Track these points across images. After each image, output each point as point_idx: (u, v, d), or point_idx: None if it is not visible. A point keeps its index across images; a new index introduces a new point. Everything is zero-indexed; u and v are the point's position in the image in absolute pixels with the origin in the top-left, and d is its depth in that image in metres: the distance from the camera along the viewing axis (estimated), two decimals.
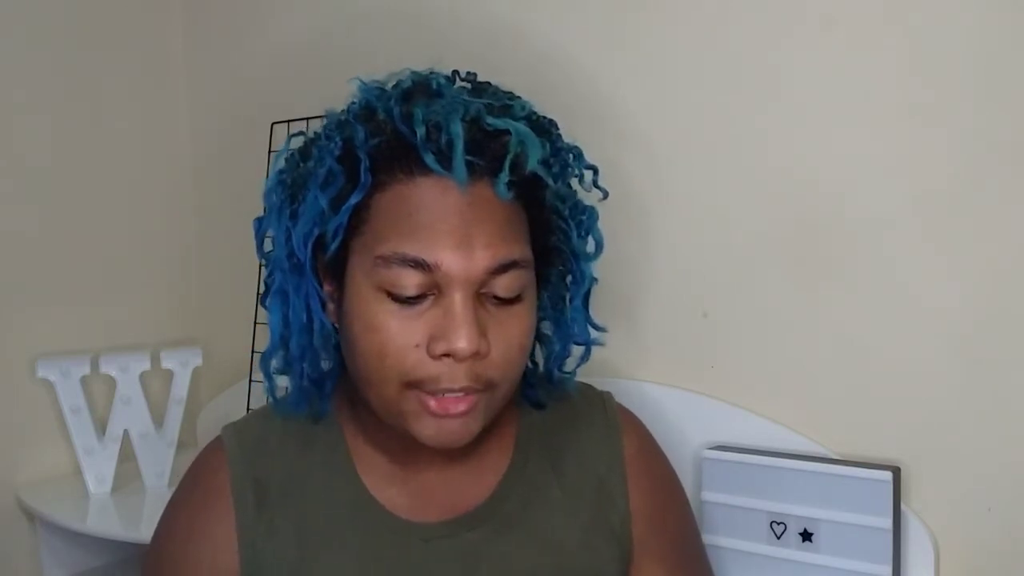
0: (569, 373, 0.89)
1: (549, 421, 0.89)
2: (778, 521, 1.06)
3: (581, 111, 1.20)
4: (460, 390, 0.73)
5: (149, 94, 1.65)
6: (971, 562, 1.00)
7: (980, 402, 0.99)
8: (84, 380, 1.47)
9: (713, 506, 1.10)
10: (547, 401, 0.88)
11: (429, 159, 0.71)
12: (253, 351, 1.44)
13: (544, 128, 0.80)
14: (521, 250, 0.75)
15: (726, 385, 1.14)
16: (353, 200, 0.73)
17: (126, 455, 1.49)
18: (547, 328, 0.87)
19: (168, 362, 1.51)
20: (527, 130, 0.74)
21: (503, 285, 0.74)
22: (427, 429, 0.75)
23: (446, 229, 0.72)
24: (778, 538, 1.06)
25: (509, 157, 0.73)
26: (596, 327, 0.87)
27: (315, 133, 0.80)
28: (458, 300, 0.72)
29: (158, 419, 1.51)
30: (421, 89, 0.77)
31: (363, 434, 0.84)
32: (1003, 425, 0.98)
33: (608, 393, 0.94)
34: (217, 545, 0.80)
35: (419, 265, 0.72)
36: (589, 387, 0.94)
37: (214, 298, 1.66)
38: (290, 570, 0.80)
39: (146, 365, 1.49)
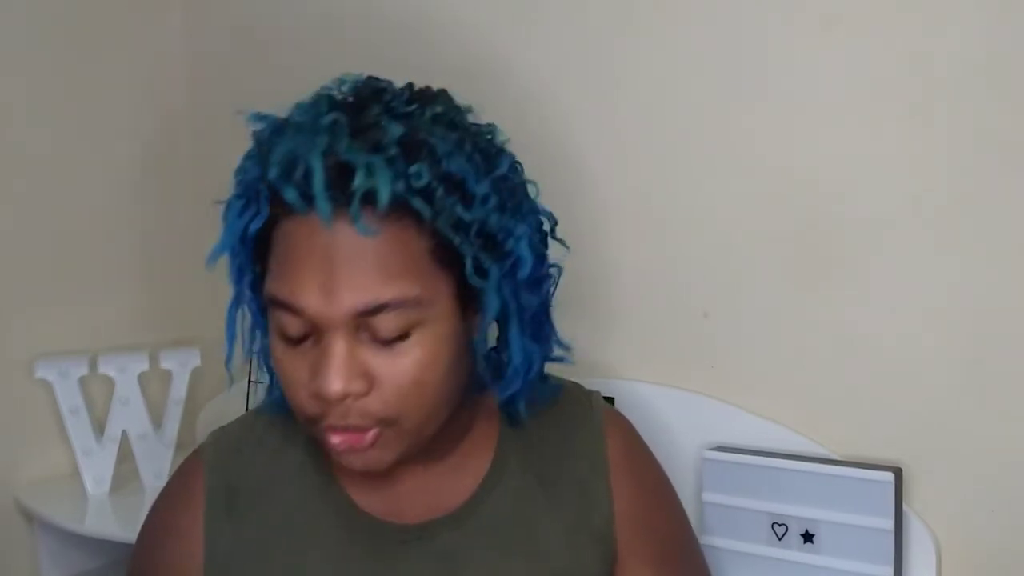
0: (555, 382, 0.88)
1: (531, 421, 0.87)
2: (779, 522, 1.06)
3: (580, 112, 1.21)
4: (344, 426, 0.72)
5: (148, 93, 1.65)
6: (973, 563, 1.00)
7: (982, 402, 0.99)
8: (82, 381, 1.46)
9: (713, 507, 1.10)
10: (524, 417, 0.85)
11: (290, 196, 0.68)
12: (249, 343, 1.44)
13: (426, 149, 0.70)
14: (398, 290, 0.69)
15: (726, 385, 1.13)
16: (250, 231, 0.73)
17: (124, 456, 1.49)
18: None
19: (167, 363, 1.51)
20: (377, 161, 0.68)
21: (381, 327, 0.70)
22: (344, 460, 0.75)
23: (310, 272, 0.69)
24: (779, 539, 1.06)
25: (357, 194, 0.67)
26: (561, 344, 0.84)
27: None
28: (329, 342, 0.70)
29: (157, 420, 1.51)
30: (295, 119, 0.73)
31: None
32: (1005, 425, 0.97)
33: (596, 392, 0.92)
34: (183, 552, 0.81)
35: (290, 308, 0.70)
36: (577, 386, 0.92)
37: (213, 298, 1.64)
38: (261, 571, 0.80)
39: (145, 366, 1.49)
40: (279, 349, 0.73)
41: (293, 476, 0.83)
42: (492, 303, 0.74)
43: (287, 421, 0.84)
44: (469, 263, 0.72)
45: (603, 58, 1.20)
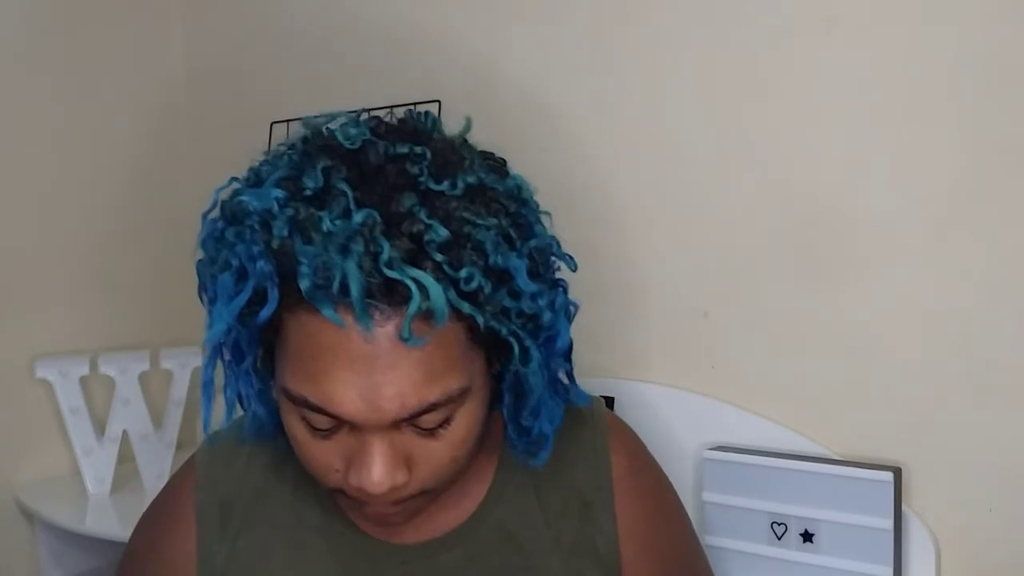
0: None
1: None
2: (779, 522, 1.06)
3: (578, 113, 1.21)
4: (387, 509, 0.70)
5: (148, 93, 1.65)
6: (972, 563, 1.00)
7: (981, 402, 0.99)
8: (83, 380, 1.47)
9: (713, 507, 1.10)
10: (536, 455, 0.78)
11: (328, 312, 0.61)
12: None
13: (473, 245, 0.64)
14: (443, 388, 0.65)
15: (726, 385, 1.13)
16: (260, 318, 0.64)
17: (125, 456, 1.49)
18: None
19: (167, 362, 1.51)
20: (429, 280, 0.61)
21: (425, 421, 0.66)
22: (366, 524, 0.74)
23: (347, 377, 0.63)
24: (779, 539, 1.06)
25: (408, 315, 0.61)
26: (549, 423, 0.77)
27: (238, 202, 0.66)
28: (369, 440, 0.66)
29: (157, 420, 1.51)
30: (310, 216, 0.63)
31: None
32: (1004, 425, 0.97)
33: (598, 402, 0.87)
34: (175, 566, 0.79)
35: (323, 412, 0.65)
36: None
37: None
38: None
39: (145, 365, 1.49)
40: (301, 434, 0.68)
41: (287, 491, 0.80)
42: (537, 384, 0.70)
43: (278, 439, 0.78)
44: (517, 351, 0.67)
45: (602, 58, 1.20)
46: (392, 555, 0.79)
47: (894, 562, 0.99)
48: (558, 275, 0.74)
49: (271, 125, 1.45)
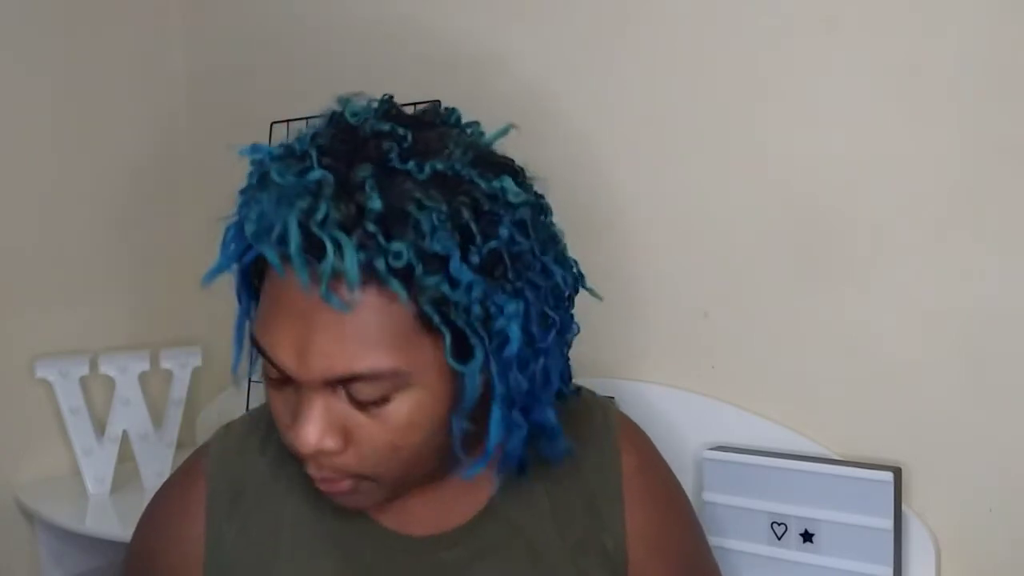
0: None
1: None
2: (779, 522, 1.06)
3: (578, 113, 1.21)
4: (322, 478, 0.71)
5: (149, 93, 1.65)
6: (972, 563, 1.00)
7: (981, 402, 0.99)
8: (83, 380, 1.47)
9: (713, 507, 1.10)
10: (526, 472, 0.78)
11: (270, 256, 0.64)
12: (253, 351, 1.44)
13: (410, 224, 0.64)
14: (373, 362, 0.65)
15: (726, 385, 1.13)
16: (244, 262, 0.70)
17: (125, 456, 1.49)
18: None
19: (167, 362, 1.51)
20: (345, 241, 0.62)
21: (358, 391, 0.67)
22: (378, 512, 0.75)
23: (288, 331, 0.66)
24: (779, 539, 1.06)
25: (324, 274, 0.62)
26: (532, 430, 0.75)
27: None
28: (306, 397, 0.67)
29: (157, 420, 1.51)
30: (272, 179, 0.66)
31: None
32: (1004, 425, 0.98)
33: (610, 402, 0.89)
34: (184, 549, 0.80)
35: (268, 359, 0.68)
36: (591, 394, 0.88)
37: (213, 298, 1.64)
38: (263, 572, 0.79)
39: (145, 365, 1.49)
40: (267, 384, 0.71)
41: (298, 476, 0.79)
42: (472, 385, 0.67)
43: None
44: (448, 343, 0.65)
45: (603, 59, 1.20)
46: (399, 546, 0.79)
47: (894, 562, 0.99)
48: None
49: (271, 125, 1.45)
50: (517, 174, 0.71)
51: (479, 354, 0.66)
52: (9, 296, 1.46)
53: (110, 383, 1.48)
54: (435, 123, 0.71)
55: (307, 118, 1.30)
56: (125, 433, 1.48)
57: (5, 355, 1.46)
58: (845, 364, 1.06)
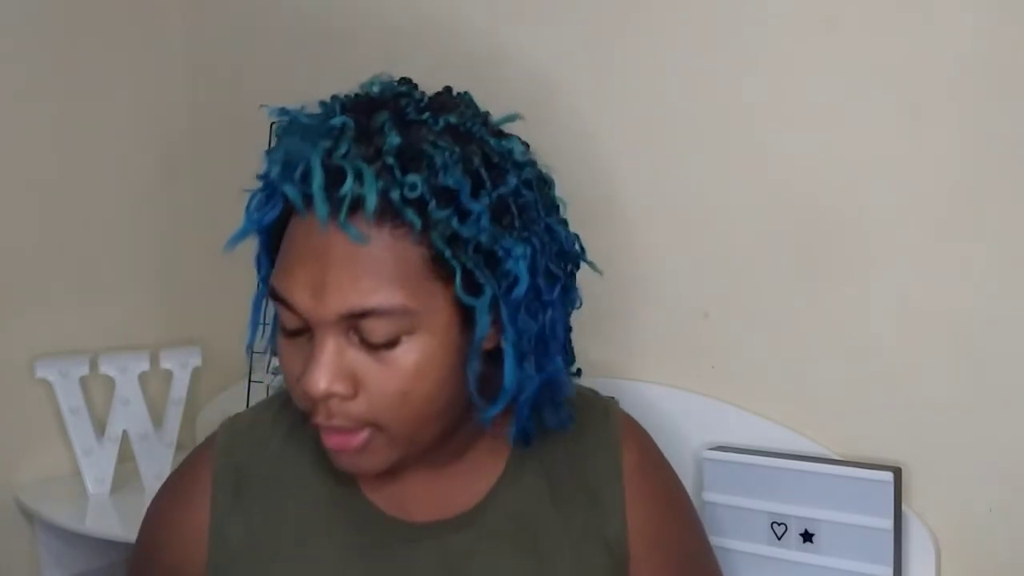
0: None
1: (546, 443, 0.84)
2: (779, 522, 1.06)
3: (578, 112, 1.21)
4: (330, 427, 0.72)
5: (148, 93, 1.65)
6: (972, 563, 1.00)
7: (981, 402, 0.99)
8: (83, 380, 1.47)
9: (714, 507, 1.10)
10: (532, 439, 0.80)
11: (292, 194, 0.69)
12: (253, 351, 1.44)
13: (425, 160, 0.69)
14: (385, 298, 0.68)
15: (726, 385, 1.13)
16: (265, 221, 0.73)
17: (125, 455, 1.49)
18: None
19: (167, 362, 1.51)
20: (365, 169, 0.67)
21: (370, 330, 0.69)
22: (339, 462, 0.74)
23: (304, 270, 0.69)
24: (779, 539, 1.06)
25: (345, 200, 0.67)
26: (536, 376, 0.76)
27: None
28: (319, 340, 0.70)
29: (157, 419, 1.51)
30: (296, 125, 0.73)
31: None
32: (1004, 425, 0.97)
33: (612, 400, 0.90)
34: (187, 535, 0.82)
35: (284, 304, 0.71)
36: (594, 393, 0.90)
37: (213, 297, 1.65)
38: (262, 560, 0.80)
39: (145, 365, 1.49)
40: (280, 340, 0.74)
41: (303, 463, 0.83)
42: (482, 321, 0.71)
43: (299, 415, 0.81)
44: (459, 278, 0.69)
45: (602, 58, 1.20)
46: (402, 532, 0.80)
47: (894, 562, 0.99)
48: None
49: (271, 125, 1.44)
50: (524, 144, 0.77)
51: (488, 291, 0.70)
52: (9, 296, 1.46)
53: (110, 383, 1.48)
54: (449, 96, 0.77)
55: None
56: (125, 433, 1.48)
57: (5, 355, 1.46)
58: (845, 364, 1.06)
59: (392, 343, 0.70)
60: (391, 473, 0.78)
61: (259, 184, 0.74)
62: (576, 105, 1.22)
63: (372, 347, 0.70)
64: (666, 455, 0.93)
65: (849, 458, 1.05)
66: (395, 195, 0.67)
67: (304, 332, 0.71)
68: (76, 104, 1.54)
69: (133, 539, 1.11)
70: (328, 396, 0.69)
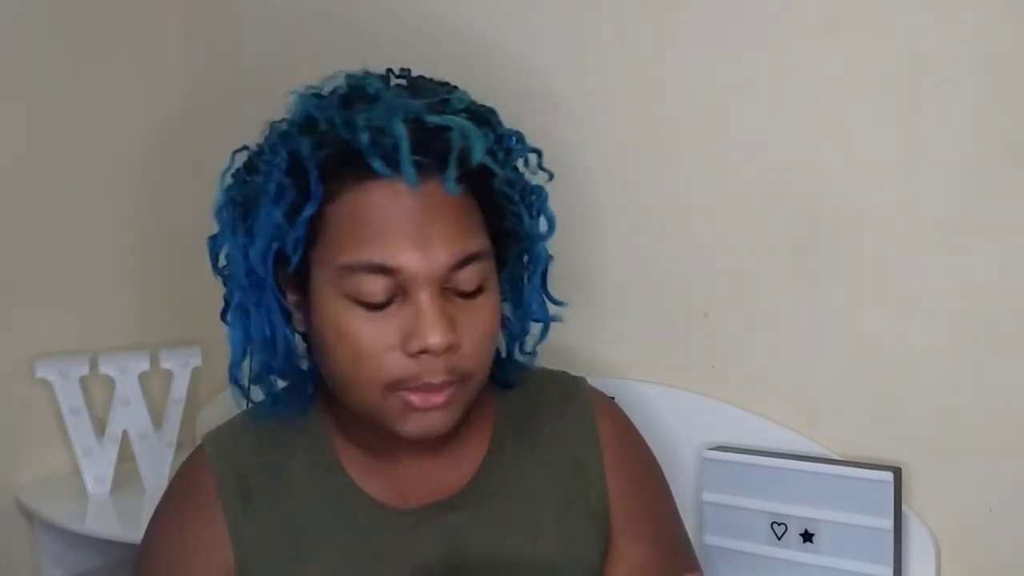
0: (530, 353, 0.91)
1: (525, 406, 0.90)
2: (779, 522, 1.06)
3: (578, 111, 1.21)
4: (440, 384, 0.75)
5: (148, 93, 1.64)
6: (972, 563, 1.00)
7: (982, 402, 0.98)
8: (83, 380, 1.47)
9: (713, 507, 1.10)
10: (515, 381, 0.90)
11: (377, 164, 0.72)
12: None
13: (484, 118, 0.79)
14: (478, 242, 0.77)
15: (726, 385, 1.13)
16: (308, 212, 0.74)
17: (125, 456, 1.49)
18: (506, 309, 0.87)
19: (167, 362, 1.51)
20: (468, 124, 0.75)
21: (464, 279, 0.75)
22: (408, 424, 0.77)
23: (403, 232, 0.73)
24: (779, 539, 1.06)
25: (454, 153, 0.73)
26: (555, 302, 0.89)
27: (258, 147, 0.81)
28: (425, 298, 0.73)
29: (157, 420, 1.51)
30: (358, 95, 0.77)
31: (343, 432, 0.85)
32: (1005, 425, 0.97)
33: (582, 378, 0.94)
34: (211, 545, 0.82)
35: (382, 270, 0.73)
36: (564, 373, 0.95)
37: (213, 297, 1.63)
38: (282, 561, 0.81)
39: (145, 365, 1.49)
40: (355, 318, 0.74)
41: (299, 467, 0.84)
42: (542, 252, 0.83)
43: (282, 425, 0.86)
44: (526, 218, 0.81)
45: (602, 56, 1.20)
46: (401, 520, 0.83)
47: (894, 562, 0.99)
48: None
49: (269, 124, 1.44)
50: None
51: (535, 227, 0.83)
52: (9, 296, 1.46)
53: (110, 383, 1.48)
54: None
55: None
56: (125, 433, 1.48)
57: (5, 355, 1.46)
58: (845, 364, 1.06)
59: (480, 289, 0.77)
60: (384, 467, 0.84)
61: (259, 180, 0.76)
62: (574, 106, 1.22)
63: (465, 296, 0.76)
64: (666, 455, 0.97)
65: (849, 458, 1.05)
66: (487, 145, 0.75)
67: (390, 302, 0.74)
68: (75, 105, 1.54)
69: (132, 539, 1.11)
70: (447, 348, 0.73)
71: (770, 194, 1.09)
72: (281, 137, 0.77)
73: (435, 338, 0.72)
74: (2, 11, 1.46)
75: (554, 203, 0.86)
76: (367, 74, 0.80)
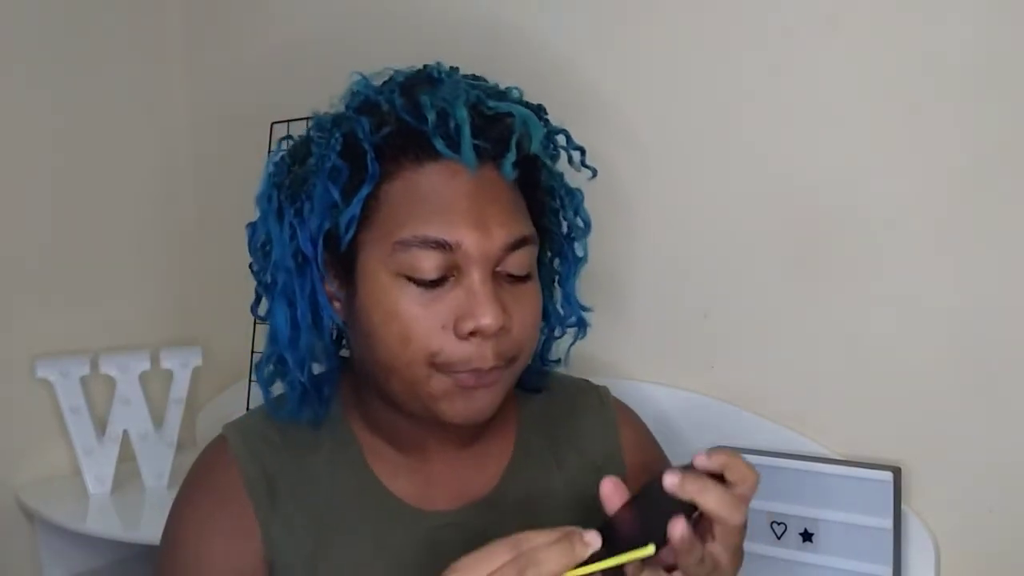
0: (556, 360, 0.91)
1: (548, 411, 0.91)
2: (778, 521, 1.06)
3: (580, 112, 1.17)
4: (488, 371, 0.75)
5: (148, 93, 1.65)
6: (972, 563, 1.00)
7: (981, 402, 0.98)
8: (83, 380, 1.47)
9: None
10: (541, 385, 0.90)
11: (439, 144, 0.73)
12: (253, 351, 1.44)
13: (536, 111, 0.82)
14: (529, 228, 0.78)
15: (726, 385, 1.13)
16: (365, 190, 0.74)
17: (126, 455, 1.49)
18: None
19: (168, 362, 1.51)
20: (528, 112, 0.77)
21: (515, 263, 0.76)
22: (455, 406, 0.76)
23: (462, 210, 0.74)
24: (778, 538, 1.06)
25: (514, 137, 0.76)
26: (584, 308, 0.89)
27: (308, 134, 0.81)
28: (478, 278, 0.74)
29: (158, 419, 1.51)
30: (420, 79, 0.79)
31: (370, 428, 0.84)
32: (1004, 425, 0.97)
33: (605, 388, 0.95)
34: (239, 541, 0.80)
35: (440, 246, 0.73)
36: (587, 381, 0.96)
37: (213, 297, 1.65)
38: (308, 559, 0.80)
39: (146, 365, 1.49)
40: (406, 297, 0.74)
41: (324, 464, 0.83)
42: (579, 253, 0.85)
43: (305, 425, 0.84)
44: (570, 212, 0.83)
45: (598, 57, 1.20)
46: (426, 521, 0.82)
47: (894, 562, 0.99)
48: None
49: (271, 125, 1.44)
50: None
51: (585, 221, 0.85)
52: (9, 296, 1.46)
53: (110, 383, 1.48)
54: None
55: (307, 118, 1.29)
56: (125, 433, 1.48)
57: (5, 355, 1.46)
58: (845, 364, 1.06)
59: (528, 275, 0.78)
60: (411, 465, 0.84)
61: (315, 162, 0.77)
62: (569, 105, 1.16)
63: (514, 280, 0.77)
64: (666, 455, 0.95)
65: (849, 458, 1.05)
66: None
67: (443, 281, 0.74)
68: (75, 104, 1.55)
69: (133, 539, 1.10)
70: (500, 328, 0.73)
71: (771, 193, 1.09)
72: (335, 120, 0.78)
73: (488, 319, 0.72)
74: (4, 14, 1.46)
75: None
76: (426, 65, 0.82)
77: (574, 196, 0.85)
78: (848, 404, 1.06)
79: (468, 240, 0.73)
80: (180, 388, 1.52)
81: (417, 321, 0.74)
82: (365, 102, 0.78)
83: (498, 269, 0.76)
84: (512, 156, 0.75)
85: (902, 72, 1.00)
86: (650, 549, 0.62)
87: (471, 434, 0.84)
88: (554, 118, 0.85)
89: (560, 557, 0.62)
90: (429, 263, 0.73)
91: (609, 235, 1.19)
